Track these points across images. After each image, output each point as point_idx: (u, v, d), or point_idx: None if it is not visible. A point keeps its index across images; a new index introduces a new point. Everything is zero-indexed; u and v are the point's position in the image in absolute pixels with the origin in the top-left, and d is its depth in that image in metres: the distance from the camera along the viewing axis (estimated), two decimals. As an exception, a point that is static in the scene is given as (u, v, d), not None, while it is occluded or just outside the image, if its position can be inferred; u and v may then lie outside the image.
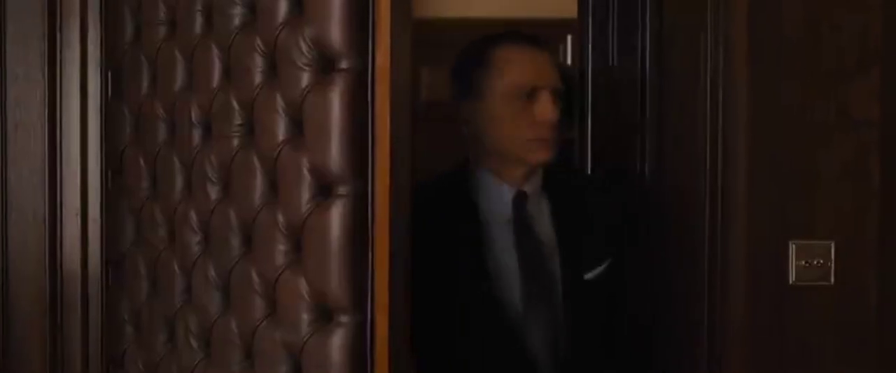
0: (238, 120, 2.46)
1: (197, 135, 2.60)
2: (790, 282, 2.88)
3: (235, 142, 2.47)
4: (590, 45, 3.31)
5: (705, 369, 2.88)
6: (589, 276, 2.47)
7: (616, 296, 2.51)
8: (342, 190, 2.25)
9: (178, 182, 2.68)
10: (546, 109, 2.44)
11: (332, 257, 2.24)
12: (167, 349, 2.73)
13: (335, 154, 2.24)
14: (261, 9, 2.40)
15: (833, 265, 2.89)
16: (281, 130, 2.35)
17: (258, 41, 2.39)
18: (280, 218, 2.35)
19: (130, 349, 2.89)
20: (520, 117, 2.47)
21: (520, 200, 2.52)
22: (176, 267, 2.69)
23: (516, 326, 2.46)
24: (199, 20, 2.59)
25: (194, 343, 2.61)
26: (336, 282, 2.24)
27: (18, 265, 3.09)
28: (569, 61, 4.75)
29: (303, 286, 2.30)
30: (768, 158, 2.87)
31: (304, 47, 2.27)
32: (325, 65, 2.27)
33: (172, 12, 2.69)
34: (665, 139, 2.89)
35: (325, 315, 2.29)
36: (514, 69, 2.49)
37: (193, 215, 2.62)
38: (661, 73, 2.89)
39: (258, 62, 2.39)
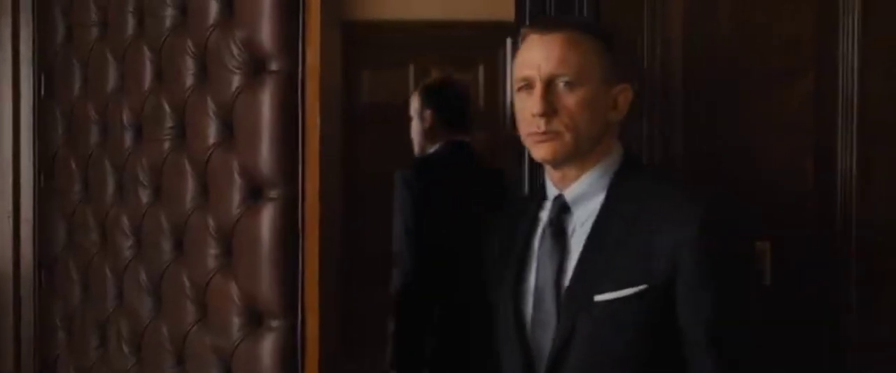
0: (169, 122, 2.47)
1: (128, 137, 2.61)
2: (727, 283, 2.91)
3: (167, 145, 2.48)
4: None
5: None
6: (605, 298, 2.28)
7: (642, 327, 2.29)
8: (273, 193, 2.26)
9: (110, 185, 2.68)
10: (534, 102, 2.29)
11: (263, 261, 2.26)
12: (99, 354, 2.73)
13: (266, 156, 2.26)
14: (192, 11, 2.40)
15: (769, 266, 2.91)
16: (212, 133, 2.36)
17: (189, 43, 2.40)
18: (210, 222, 2.36)
19: (63, 354, 2.88)
20: (523, 111, 2.35)
21: (557, 203, 2.39)
22: (108, 271, 2.70)
23: (524, 331, 2.43)
24: (130, 22, 2.60)
25: (126, 348, 2.62)
26: (267, 286, 2.25)
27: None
28: (508, 66, 4.75)
29: (234, 290, 2.31)
30: (703, 159, 2.90)
31: (234, 49, 2.28)
32: (255, 67, 2.28)
33: (104, 14, 2.69)
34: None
35: (255, 319, 2.30)
36: (518, 59, 2.37)
37: (125, 219, 2.62)
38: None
39: (189, 64, 2.40)
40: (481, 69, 5.34)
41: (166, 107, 2.51)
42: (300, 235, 2.24)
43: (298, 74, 2.19)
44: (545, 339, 2.35)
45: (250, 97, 2.29)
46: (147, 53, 2.56)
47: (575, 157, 2.34)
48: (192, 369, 2.46)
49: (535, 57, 2.31)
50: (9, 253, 3.07)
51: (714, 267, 2.24)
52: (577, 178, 2.36)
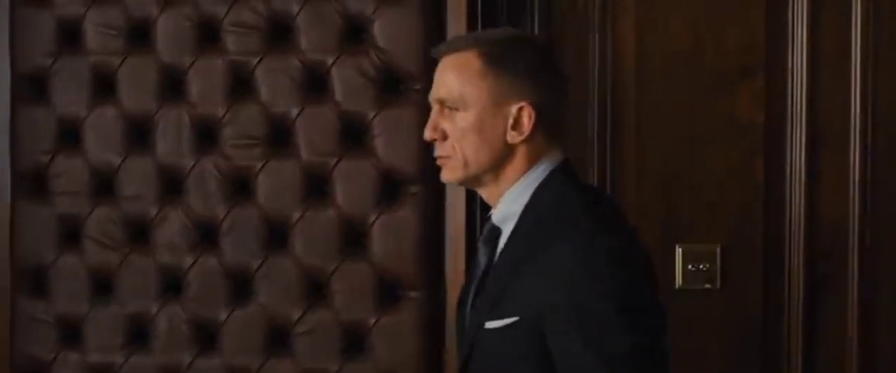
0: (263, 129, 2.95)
1: (191, 142, 3.01)
2: (676, 286, 2.99)
3: (258, 150, 2.99)
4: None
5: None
6: (491, 325, 2.20)
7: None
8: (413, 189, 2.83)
9: (153, 187, 3.03)
10: (426, 127, 2.28)
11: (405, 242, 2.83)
12: (136, 347, 3.04)
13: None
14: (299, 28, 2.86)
15: (719, 269, 2.99)
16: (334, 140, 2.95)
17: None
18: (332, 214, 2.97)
19: (63, 354, 3.05)
20: None
21: (489, 223, 2.33)
22: (149, 267, 3.03)
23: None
24: (190, 31, 2.99)
25: (188, 338, 2.99)
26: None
27: None
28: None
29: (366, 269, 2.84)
30: (655, 162, 2.97)
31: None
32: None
33: (139, 22, 3.00)
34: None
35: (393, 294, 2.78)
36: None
37: (182, 217, 3.00)
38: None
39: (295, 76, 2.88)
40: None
41: (259, 115, 2.92)
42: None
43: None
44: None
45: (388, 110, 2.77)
46: (222, 64, 2.90)
47: (475, 181, 2.28)
48: (302, 349, 2.90)
49: (434, 80, 2.29)
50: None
51: (582, 318, 2.09)
52: (499, 197, 2.30)
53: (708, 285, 2.99)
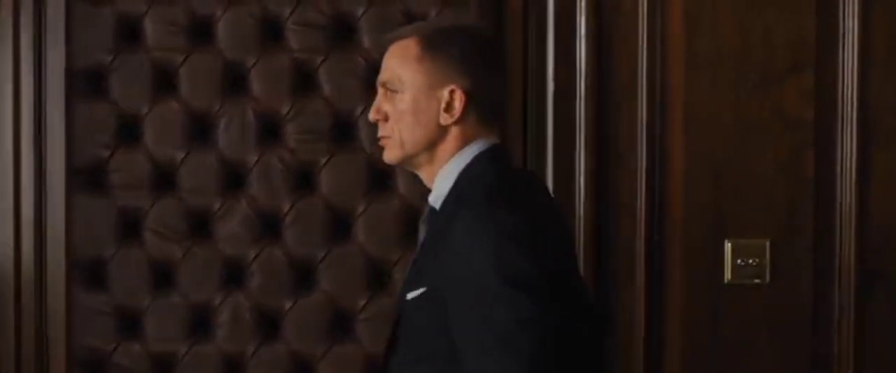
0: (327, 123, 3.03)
1: (254, 137, 3.09)
2: (725, 280, 3.03)
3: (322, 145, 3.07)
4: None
5: (642, 367, 3.03)
6: (410, 296, 2.32)
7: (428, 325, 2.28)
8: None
9: (215, 180, 3.08)
10: (371, 109, 2.42)
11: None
12: (199, 336, 3.09)
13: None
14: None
15: (768, 264, 3.03)
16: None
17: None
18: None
19: (124, 343, 3.10)
20: None
21: (428, 205, 2.44)
22: (212, 259, 3.09)
23: None
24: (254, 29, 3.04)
25: (253, 327, 3.07)
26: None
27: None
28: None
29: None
30: (704, 157, 3.02)
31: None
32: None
33: (201, 20, 3.07)
34: (601, 142, 3.00)
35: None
36: None
37: (245, 209, 3.07)
38: (598, 78, 3.00)
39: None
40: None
41: (323, 110, 3.01)
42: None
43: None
44: None
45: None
46: (286, 61, 2.96)
47: (410, 161, 2.40)
48: (366, 335, 3.00)
49: (381, 66, 2.43)
50: (10, 252, 3.15)
51: (472, 289, 2.18)
52: (432, 180, 2.42)
53: (757, 280, 3.03)
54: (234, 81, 3.03)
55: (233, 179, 3.06)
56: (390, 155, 2.39)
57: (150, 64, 3.07)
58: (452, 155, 2.37)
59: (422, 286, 2.28)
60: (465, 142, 2.37)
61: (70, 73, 3.11)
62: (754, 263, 3.03)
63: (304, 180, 3.05)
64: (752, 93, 3.01)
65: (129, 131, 3.09)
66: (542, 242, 2.23)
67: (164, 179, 3.08)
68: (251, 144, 3.03)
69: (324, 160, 3.05)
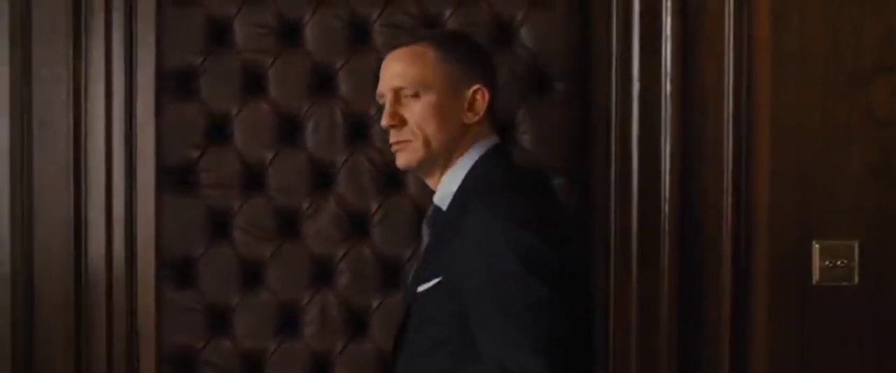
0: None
1: (343, 136, 3.14)
2: (813, 282, 3.04)
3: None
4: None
5: (728, 369, 3.04)
6: (421, 288, 2.41)
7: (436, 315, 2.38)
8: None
9: (305, 181, 3.13)
10: (383, 115, 2.48)
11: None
12: (288, 334, 3.14)
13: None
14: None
15: (856, 265, 3.03)
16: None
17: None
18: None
19: (214, 340, 3.16)
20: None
21: (433, 204, 2.54)
22: (303, 258, 3.15)
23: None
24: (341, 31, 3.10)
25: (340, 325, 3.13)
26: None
27: (44, 264, 3.24)
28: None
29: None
30: (791, 158, 3.03)
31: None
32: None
33: (290, 21, 3.11)
34: (687, 142, 3.01)
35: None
36: (380, 77, 2.56)
37: (334, 208, 3.12)
38: (683, 79, 3.01)
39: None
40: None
41: None
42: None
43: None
44: None
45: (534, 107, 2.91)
46: (375, 63, 2.87)
47: (431, 162, 2.48)
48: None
49: (383, 74, 2.50)
50: (101, 249, 3.23)
51: (496, 279, 2.26)
52: (438, 181, 2.51)
53: (845, 282, 3.03)
54: (322, 82, 3.08)
55: (321, 179, 3.10)
56: (410, 158, 2.47)
57: (239, 65, 3.12)
58: (463, 154, 2.48)
59: (435, 278, 2.36)
60: (473, 142, 2.49)
61: (161, 75, 3.17)
62: (842, 265, 3.03)
63: (391, 179, 3.09)
64: (841, 93, 3.01)
65: (218, 131, 3.14)
66: (552, 226, 2.34)
67: (253, 179, 3.13)
68: (339, 144, 3.07)
69: (412, 161, 3.10)
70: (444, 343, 2.36)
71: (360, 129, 3.10)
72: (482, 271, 2.26)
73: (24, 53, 3.21)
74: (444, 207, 2.49)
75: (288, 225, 3.09)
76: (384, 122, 2.46)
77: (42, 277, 3.25)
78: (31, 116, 3.22)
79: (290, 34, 3.11)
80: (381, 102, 2.51)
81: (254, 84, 3.12)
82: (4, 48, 3.21)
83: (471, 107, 2.48)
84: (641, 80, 3.03)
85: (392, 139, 2.48)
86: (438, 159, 2.48)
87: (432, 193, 2.54)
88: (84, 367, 3.25)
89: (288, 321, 3.14)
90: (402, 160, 2.49)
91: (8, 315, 3.25)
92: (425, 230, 2.55)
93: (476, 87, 2.49)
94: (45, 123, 3.23)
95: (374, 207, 3.10)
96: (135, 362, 3.23)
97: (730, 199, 3.03)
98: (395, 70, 2.47)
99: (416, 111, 2.45)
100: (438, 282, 2.37)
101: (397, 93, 2.46)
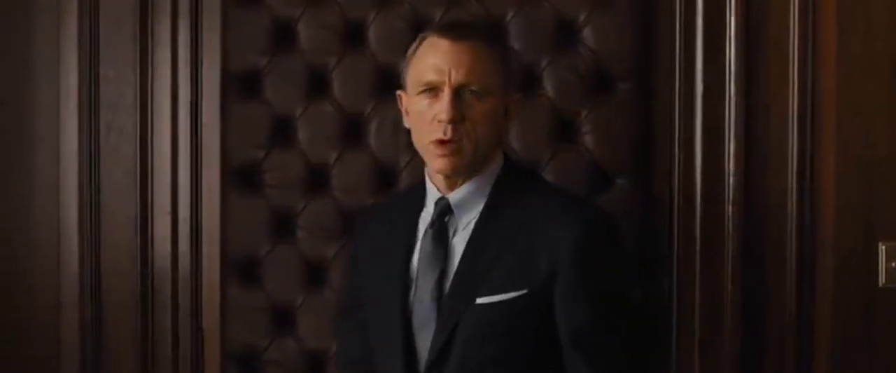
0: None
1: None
2: (879, 284, 3.03)
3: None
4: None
5: (792, 371, 3.05)
6: (484, 301, 2.37)
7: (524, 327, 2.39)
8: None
9: (366, 181, 3.16)
10: (441, 107, 2.37)
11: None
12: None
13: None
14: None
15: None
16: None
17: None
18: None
19: (279, 337, 3.19)
20: (425, 115, 2.43)
21: (440, 205, 2.51)
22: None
23: (401, 328, 2.50)
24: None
25: None
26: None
27: (111, 264, 3.33)
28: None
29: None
30: (856, 159, 3.03)
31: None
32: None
33: (354, 24, 3.16)
34: (750, 142, 3.03)
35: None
36: (421, 62, 2.44)
37: None
38: (747, 78, 3.02)
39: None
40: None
41: None
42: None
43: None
44: (424, 340, 2.46)
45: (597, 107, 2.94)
46: None
47: (471, 167, 2.46)
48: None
49: (443, 63, 2.40)
50: (167, 250, 3.31)
51: (591, 271, 2.33)
52: (463, 182, 2.49)
53: (912, 284, 3.01)
54: (385, 84, 3.11)
55: (384, 180, 3.13)
56: (461, 162, 2.43)
57: (303, 66, 3.16)
58: (492, 160, 2.50)
59: (510, 290, 2.35)
60: (498, 151, 2.52)
61: (226, 76, 3.23)
62: (909, 267, 3.01)
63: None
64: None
65: (282, 132, 3.18)
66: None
67: (316, 179, 3.16)
68: (402, 145, 3.09)
69: (474, 161, 3.13)
70: (502, 362, 2.37)
71: (422, 131, 3.14)
72: (573, 272, 2.35)
73: (91, 56, 3.29)
74: (462, 212, 2.48)
75: (351, 225, 3.12)
76: (447, 115, 2.38)
77: (109, 277, 3.34)
78: (98, 118, 3.32)
79: (353, 35, 3.14)
80: (425, 86, 2.44)
81: (318, 85, 3.16)
82: (72, 51, 3.30)
83: (507, 114, 2.50)
84: (705, 80, 3.04)
85: (445, 135, 2.39)
86: (475, 166, 2.47)
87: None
88: (150, 366, 3.33)
89: (350, 320, 3.18)
90: (445, 165, 2.43)
91: (76, 315, 3.34)
92: (427, 231, 2.52)
93: (517, 96, 2.52)
94: (112, 125, 3.32)
95: (435, 206, 3.13)
96: (200, 362, 3.31)
97: (794, 200, 3.03)
98: (465, 64, 2.39)
99: (477, 113, 2.40)
100: (523, 294, 2.36)
101: (461, 89, 2.40)
